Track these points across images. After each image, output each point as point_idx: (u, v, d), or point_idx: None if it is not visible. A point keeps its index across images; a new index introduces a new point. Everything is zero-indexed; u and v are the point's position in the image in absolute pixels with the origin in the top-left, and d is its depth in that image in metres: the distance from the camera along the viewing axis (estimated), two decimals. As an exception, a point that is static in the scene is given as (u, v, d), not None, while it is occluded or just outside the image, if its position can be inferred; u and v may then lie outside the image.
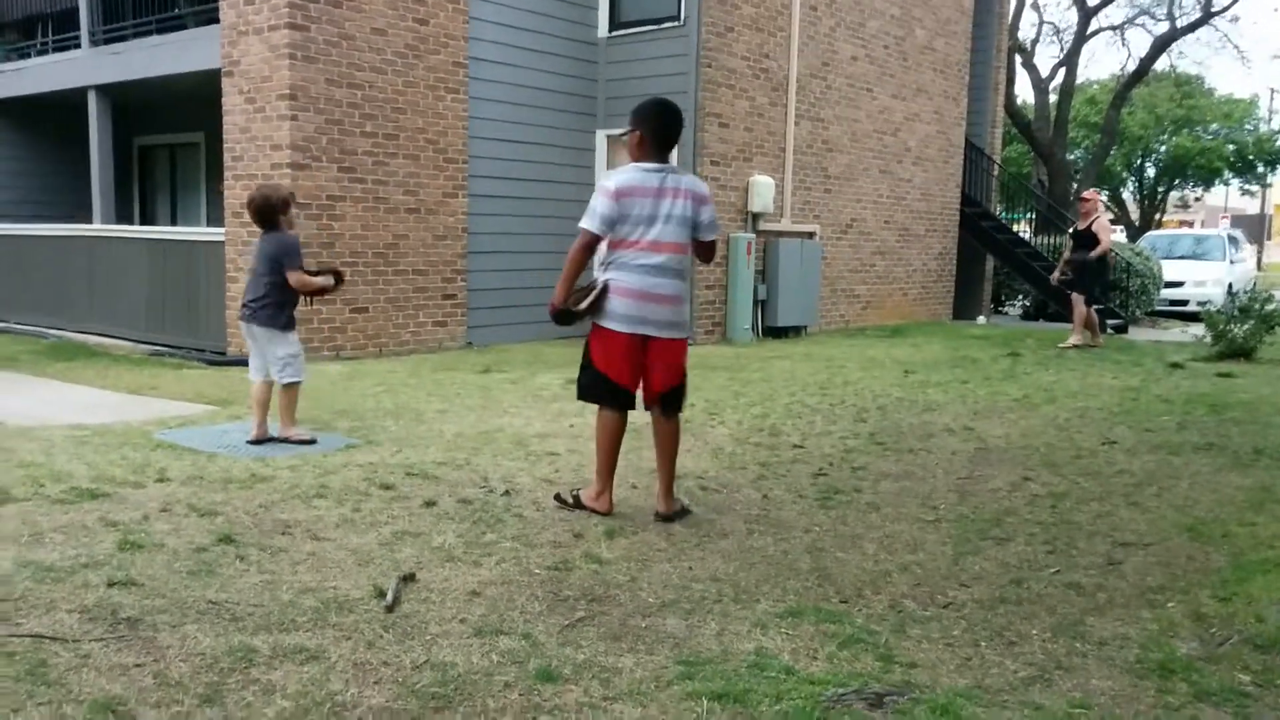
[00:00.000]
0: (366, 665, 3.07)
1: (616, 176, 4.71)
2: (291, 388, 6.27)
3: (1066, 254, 13.23)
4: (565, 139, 12.66)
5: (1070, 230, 12.93)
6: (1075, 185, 28.16)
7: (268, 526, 4.43)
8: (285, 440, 6.16)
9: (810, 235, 14.11)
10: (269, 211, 6.13)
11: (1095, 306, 12.78)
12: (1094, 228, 12.51)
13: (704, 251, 4.87)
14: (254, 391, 6.35)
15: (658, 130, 4.71)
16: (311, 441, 6.21)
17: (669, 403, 4.83)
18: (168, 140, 15.11)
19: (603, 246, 4.75)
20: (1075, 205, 13.04)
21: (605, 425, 4.85)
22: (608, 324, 4.70)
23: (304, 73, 9.93)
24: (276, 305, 6.17)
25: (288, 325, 6.23)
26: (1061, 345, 12.41)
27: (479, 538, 4.40)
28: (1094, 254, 12.42)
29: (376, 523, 4.55)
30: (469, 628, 3.41)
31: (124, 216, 14.21)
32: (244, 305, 6.26)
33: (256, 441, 6.13)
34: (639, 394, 4.85)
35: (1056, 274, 13.32)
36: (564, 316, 4.79)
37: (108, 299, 12.06)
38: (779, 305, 13.39)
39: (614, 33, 12.86)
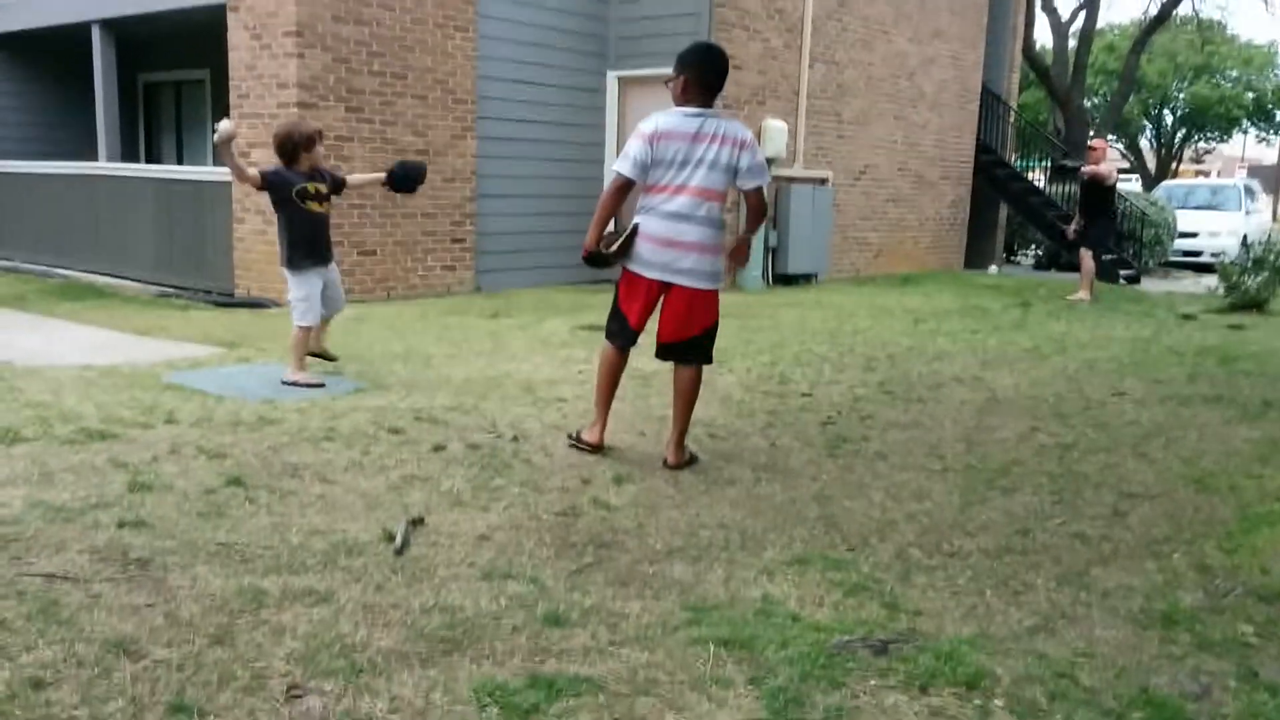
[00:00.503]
0: (375, 608, 3.09)
1: (655, 120, 4.64)
2: (301, 330, 6.26)
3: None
4: (576, 80, 12.50)
5: (1081, 180, 12.83)
6: (1091, 133, 27.81)
7: (276, 469, 4.44)
8: (293, 384, 6.17)
9: (823, 181, 13.98)
10: (290, 148, 6.10)
11: (1108, 256, 12.62)
12: (1098, 174, 12.37)
13: (750, 201, 4.77)
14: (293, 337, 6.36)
15: (703, 74, 4.62)
16: (320, 385, 6.22)
17: (683, 352, 4.78)
18: (173, 77, 14.97)
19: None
20: (1088, 154, 12.87)
21: (603, 358, 4.92)
22: (633, 267, 4.71)
23: (311, 8, 9.79)
24: (283, 244, 6.19)
25: (294, 264, 6.21)
26: (1070, 298, 12.31)
27: (487, 482, 4.41)
28: (1084, 169, 12.38)
29: (385, 466, 4.57)
30: (477, 571, 3.43)
31: (129, 155, 14.12)
32: None
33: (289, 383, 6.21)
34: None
35: (1073, 227, 13.08)
36: (596, 259, 4.76)
37: (114, 239, 12.03)
38: (790, 253, 13.30)
39: (626, -28, 12.65)
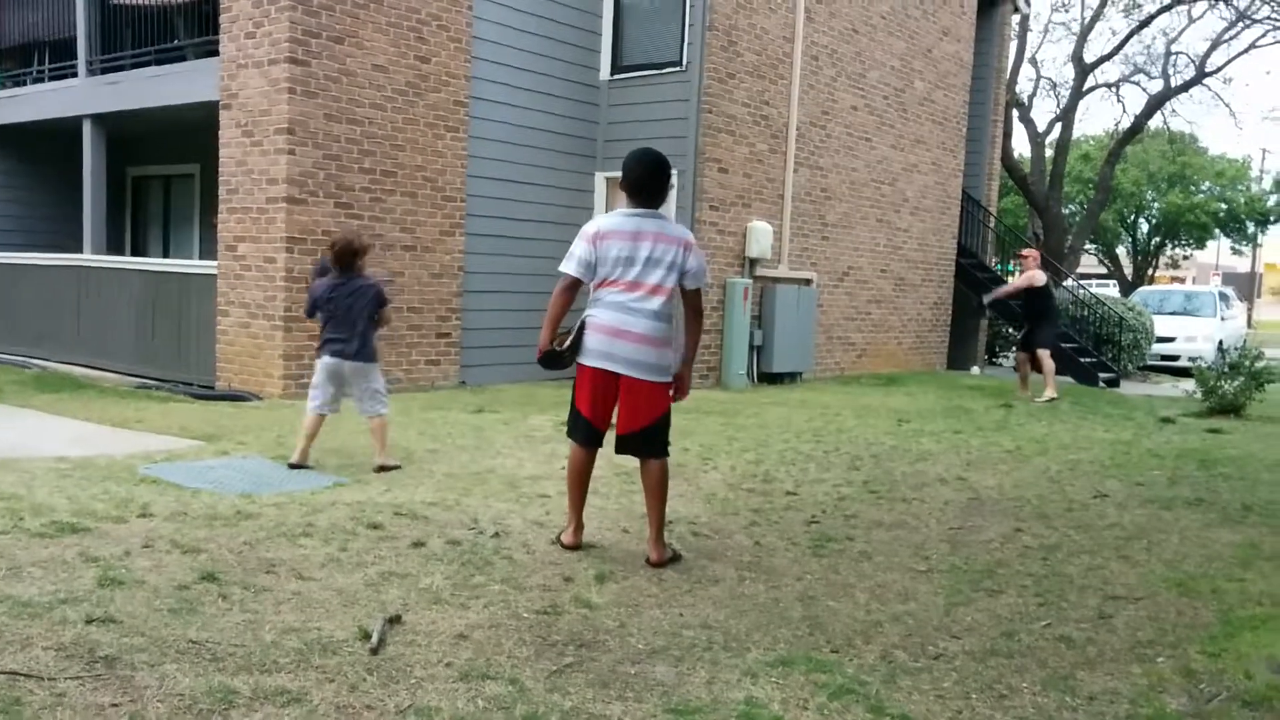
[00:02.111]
0: (349, 709, 3.01)
1: (597, 221, 4.82)
2: (384, 417, 6.74)
3: (1009, 288, 13.79)
4: (564, 180, 12.71)
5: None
6: (1069, 240, 28.35)
7: (252, 565, 4.36)
8: (383, 468, 6.54)
9: (807, 282, 14.14)
10: (350, 255, 6.60)
11: (1046, 352, 12.88)
12: (1032, 280, 12.80)
13: (689, 302, 4.87)
14: (310, 423, 6.71)
15: (634, 181, 4.77)
16: (397, 467, 6.61)
17: (638, 445, 4.76)
18: (162, 171, 15.12)
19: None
20: (1020, 262, 13.59)
21: (570, 460, 4.93)
22: (582, 360, 4.76)
23: (303, 107, 9.97)
24: (372, 342, 6.72)
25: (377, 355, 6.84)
26: (1038, 401, 12.37)
27: (467, 580, 4.34)
28: (1003, 291, 13.46)
29: (363, 563, 4.49)
30: (455, 672, 3.35)
31: (115, 247, 14.18)
32: (336, 342, 6.62)
33: (297, 466, 6.55)
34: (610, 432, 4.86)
35: (989, 296, 14.22)
36: (550, 359, 4.80)
37: (96, 330, 12.00)
38: (775, 351, 13.39)
39: (615, 76, 12.97)
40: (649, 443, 4.76)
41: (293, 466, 6.53)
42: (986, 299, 14.61)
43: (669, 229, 4.77)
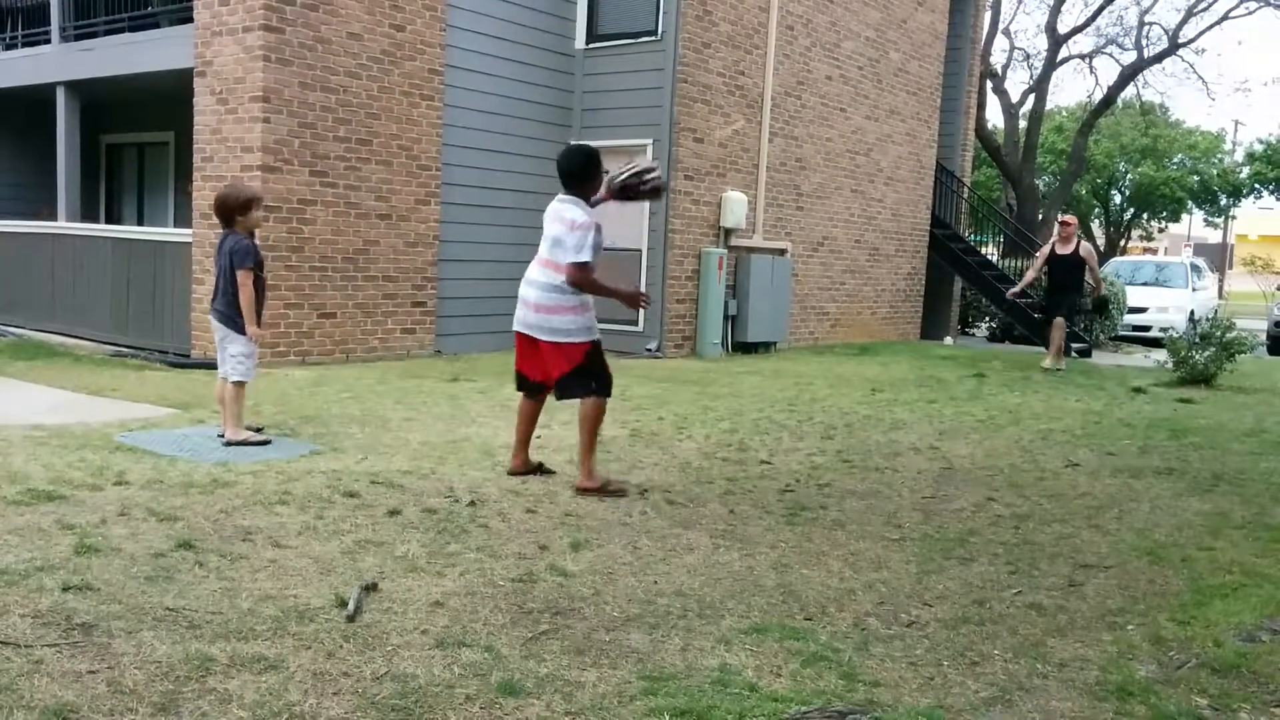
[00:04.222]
0: (326, 675, 3.03)
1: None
2: (238, 386, 6.27)
3: (1031, 273, 13.46)
4: (540, 149, 12.61)
5: (1049, 251, 12.98)
6: (1042, 211, 28.49)
7: (228, 532, 4.37)
8: (241, 443, 6.13)
9: (781, 252, 14.17)
10: (226, 211, 6.26)
11: (1061, 322, 12.88)
12: (1080, 252, 12.66)
13: (567, 275, 5.37)
14: (218, 390, 6.40)
15: (557, 169, 5.56)
16: (266, 442, 6.20)
17: (561, 391, 5.54)
18: (136, 139, 14.94)
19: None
20: (1058, 228, 13.11)
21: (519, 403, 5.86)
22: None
23: (278, 75, 9.86)
24: (232, 304, 6.21)
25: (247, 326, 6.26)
26: (1044, 366, 12.60)
27: (443, 548, 4.37)
28: (1090, 280, 12.80)
29: (339, 531, 4.51)
30: (431, 639, 3.37)
31: (90, 215, 14.02)
32: (211, 303, 6.37)
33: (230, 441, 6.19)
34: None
35: (1016, 289, 13.76)
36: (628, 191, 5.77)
37: (71, 298, 11.89)
38: (749, 321, 13.43)
39: (591, 45, 12.89)
40: (565, 389, 5.51)
41: (227, 443, 6.20)
42: (1012, 293, 14.21)
43: (564, 210, 5.44)
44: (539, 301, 5.42)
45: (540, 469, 5.83)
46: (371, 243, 10.88)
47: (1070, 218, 13.46)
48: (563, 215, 5.41)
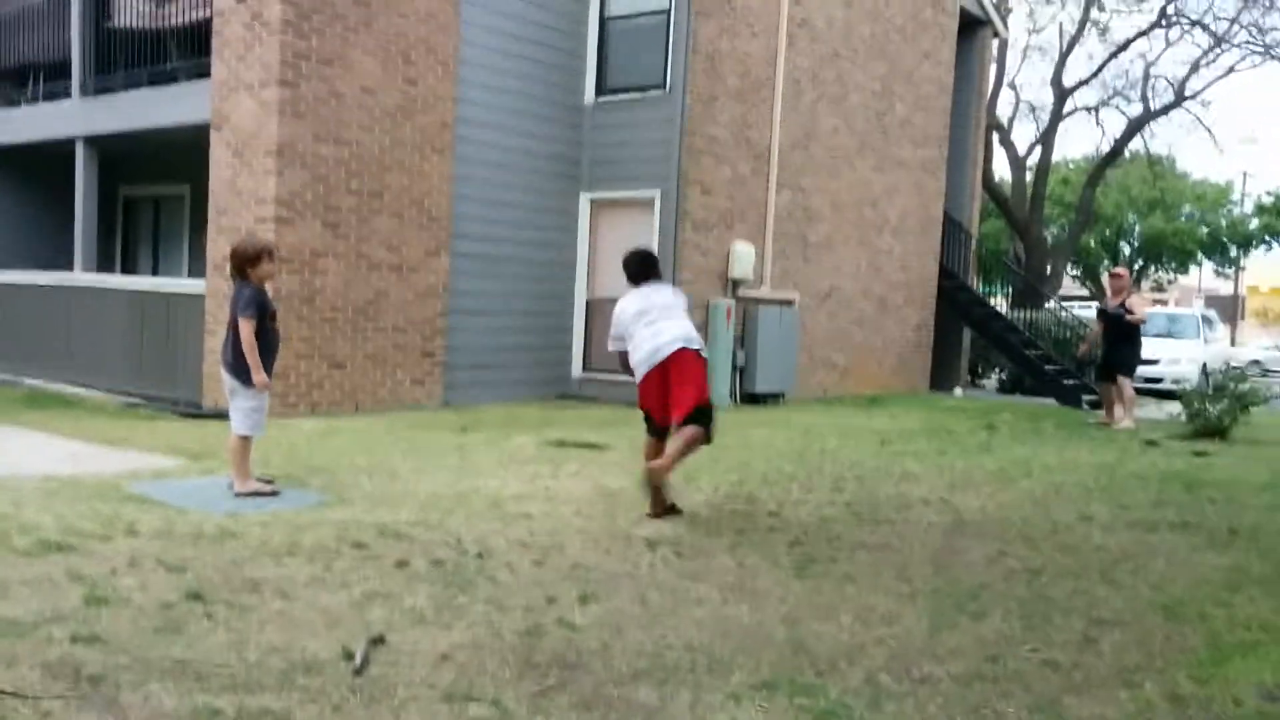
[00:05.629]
0: (333, 730, 3.01)
1: None
2: (243, 440, 6.27)
3: (1095, 329, 12.95)
4: (550, 202, 12.76)
5: (1099, 307, 12.73)
6: (1050, 262, 28.56)
7: (236, 584, 4.36)
8: (250, 494, 6.13)
9: (789, 303, 14.20)
10: (237, 262, 6.32)
11: (1128, 380, 12.30)
12: (1129, 304, 12.22)
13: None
14: (230, 441, 6.40)
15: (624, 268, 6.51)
16: (275, 493, 6.21)
17: (686, 420, 6.12)
18: (153, 192, 15.12)
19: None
20: (1110, 281, 12.79)
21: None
22: None
23: (292, 129, 10.00)
24: (255, 359, 6.21)
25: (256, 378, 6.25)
26: (1119, 426, 11.95)
27: (450, 600, 4.34)
28: (1132, 318, 12.12)
29: (347, 582, 4.49)
30: (438, 693, 3.35)
31: (106, 266, 14.14)
32: (220, 354, 6.42)
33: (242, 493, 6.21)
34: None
35: (1082, 348, 13.37)
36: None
37: (85, 349, 11.97)
38: (757, 372, 13.43)
39: (600, 98, 13.05)
40: (695, 418, 6.19)
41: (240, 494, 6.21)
42: (1080, 353, 13.92)
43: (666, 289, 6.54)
44: (686, 330, 6.19)
45: (672, 509, 6.23)
46: (382, 294, 10.94)
47: (1121, 270, 13.15)
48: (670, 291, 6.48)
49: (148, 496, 6.05)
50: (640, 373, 6.17)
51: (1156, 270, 46.28)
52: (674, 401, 6.06)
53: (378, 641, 3.76)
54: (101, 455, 7.62)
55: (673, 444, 6.01)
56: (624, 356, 6.33)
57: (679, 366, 6.07)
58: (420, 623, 4.03)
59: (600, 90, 13.06)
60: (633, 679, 3.59)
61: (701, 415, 6.07)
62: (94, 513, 5.47)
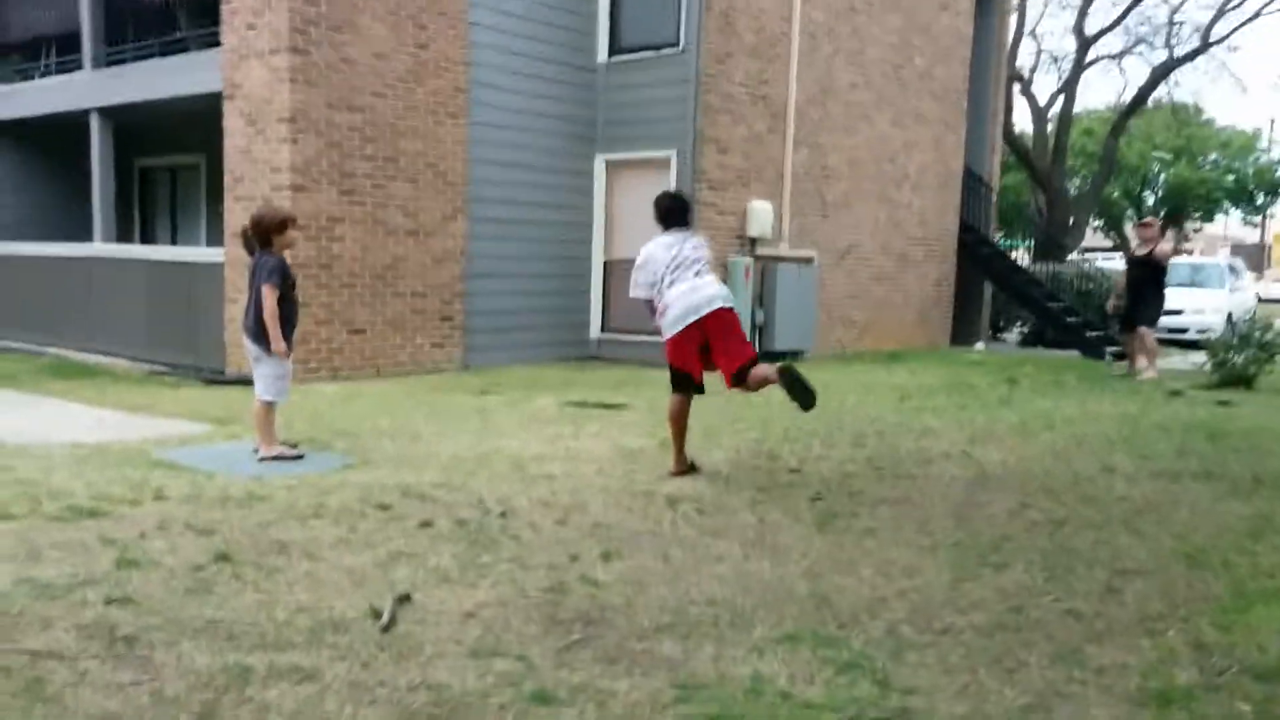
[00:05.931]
0: (362, 685, 3.06)
1: None
2: (268, 406, 6.33)
3: (1122, 281, 12.80)
4: (565, 163, 12.71)
5: (1129, 257, 12.51)
6: (1073, 215, 28.26)
7: (264, 545, 4.42)
8: (275, 458, 6.19)
9: (808, 260, 14.14)
10: (261, 232, 6.33)
11: (1149, 330, 12.19)
12: (1155, 255, 12.06)
13: None
14: (254, 407, 6.46)
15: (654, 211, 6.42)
16: (299, 457, 6.27)
17: (739, 372, 6.26)
18: (168, 162, 15.17)
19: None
20: (1138, 230, 12.59)
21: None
22: None
23: (305, 96, 9.98)
24: (275, 326, 6.26)
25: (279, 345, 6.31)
26: (1142, 377, 11.86)
27: (475, 559, 4.39)
28: (1158, 253, 11.94)
29: (372, 543, 4.54)
30: (464, 649, 3.39)
31: (124, 237, 14.26)
32: (242, 321, 6.45)
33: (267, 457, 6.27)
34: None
35: (1112, 301, 13.01)
36: None
37: (106, 318, 12.08)
38: (776, 330, 13.41)
39: (613, 58, 12.95)
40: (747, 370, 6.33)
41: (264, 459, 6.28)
42: (1112, 306, 13.27)
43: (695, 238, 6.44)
44: (721, 286, 6.23)
45: (692, 468, 6.30)
46: (400, 259, 10.97)
47: (1151, 219, 12.96)
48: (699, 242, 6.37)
49: (175, 462, 6.12)
50: (676, 329, 6.09)
51: (1181, 221, 45.77)
52: (729, 355, 6.13)
53: (404, 600, 3.80)
54: (128, 422, 7.71)
55: (762, 369, 6.19)
56: (650, 304, 6.27)
57: (722, 324, 6.10)
58: (445, 582, 4.08)
59: (614, 50, 12.96)
60: (656, 633, 3.63)
61: (754, 366, 6.23)
62: (123, 478, 5.54)
